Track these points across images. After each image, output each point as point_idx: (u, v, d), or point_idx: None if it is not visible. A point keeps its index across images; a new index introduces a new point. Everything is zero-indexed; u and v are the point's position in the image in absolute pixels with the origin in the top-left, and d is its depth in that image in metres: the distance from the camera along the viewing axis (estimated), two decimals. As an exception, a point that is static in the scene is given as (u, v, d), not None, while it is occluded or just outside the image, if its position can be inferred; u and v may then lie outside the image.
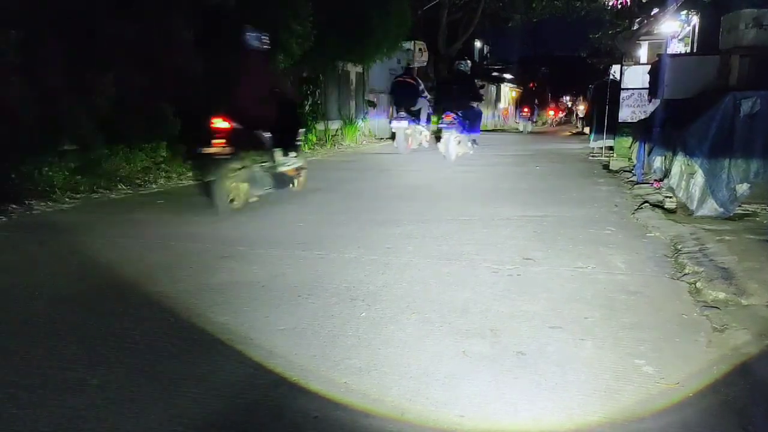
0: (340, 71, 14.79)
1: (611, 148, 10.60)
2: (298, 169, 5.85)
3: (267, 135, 5.34)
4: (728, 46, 5.89)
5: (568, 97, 38.35)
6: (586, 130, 17.33)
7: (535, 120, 25.40)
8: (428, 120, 12.63)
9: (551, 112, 35.57)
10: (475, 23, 24.85)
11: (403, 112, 11.68)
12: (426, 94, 12.27)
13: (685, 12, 10.65)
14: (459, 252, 3.86)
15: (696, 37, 10.41)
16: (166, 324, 2.67)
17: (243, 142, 5.09)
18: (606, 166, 9.11)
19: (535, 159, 10.74)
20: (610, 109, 10.35)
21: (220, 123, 4.95)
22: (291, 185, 5.79)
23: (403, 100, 11.87)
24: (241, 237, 4.29)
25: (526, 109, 23.08)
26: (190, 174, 7.91)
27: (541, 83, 32.74)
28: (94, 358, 2.30)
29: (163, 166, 7.93)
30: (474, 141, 11.27)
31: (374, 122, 16.79)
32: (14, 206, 5.42)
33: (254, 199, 5.42)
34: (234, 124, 4.98)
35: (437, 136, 11.31)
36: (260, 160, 5.41)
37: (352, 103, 15.64)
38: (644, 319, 2.69)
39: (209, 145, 4.89)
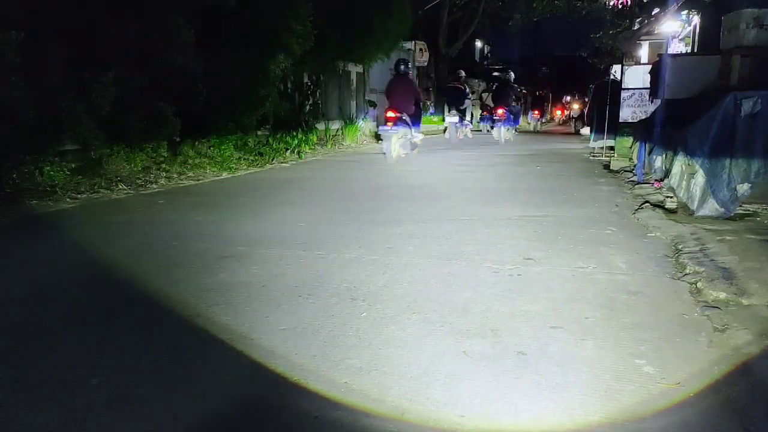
0: (341, 71, 14.78)
1: (612, 148, 10.59)
2: (420, 140, 10.47)
3: (409, 120, 9.79)
4: (729, 46, 5.88)
5: (568, 98, 38.46)
6: (584, 130, 17.33)
7: (544, 121, 26.74)
8: (472, 117, 16.67)
9: (558, 112, 36.04)
10: (475, 23, 24.87)
11: (453, 110, 14.77)
12: (471, 96, 15.88)
13: (685, 12, 10.65)
14: (460, 252, 3.86)
15: (697, 37, 10.41)
16: (166, 324, 2.67)
17: (401, 124, 9.60)
18: (607, 166, 9.10)
19: (536, 159, 10.74)
20: (610, 109, 10.34)
21: (390, 113, 9.53)
22: (415, 150, 10.37)
23: (453, 101, 14.87)
24: (242, 236, 4.29)
25: (536, 112, 25.39)
26: (191, 174, 7.93)
27: (544, 86, 32.85)
28: (94, 358, 2.30)
29: (163, 166, 7.94)
30: (515, 130, 16.41)
31: (375, 122, 16.79)
32: (15, 206, 5.42)
33: (402, 155, 9.95)
34: (398, 114, 9.51)
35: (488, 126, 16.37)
36: (406, 134, 9.87)
37: (353, 103, 15.64)
38: (645, 319, 2.69)
39: (385, 124, 9.59)
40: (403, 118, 9.65)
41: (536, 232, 4.44)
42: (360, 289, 3.09)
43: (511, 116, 15.18)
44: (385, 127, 9.57)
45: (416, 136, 10.17)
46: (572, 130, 22.83)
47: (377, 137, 9.46)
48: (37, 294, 3.09)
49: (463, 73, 16.03)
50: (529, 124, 25.28)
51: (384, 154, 9.66)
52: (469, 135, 16.15)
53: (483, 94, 19.36)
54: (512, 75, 16.31)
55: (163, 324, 2.67)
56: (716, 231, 4.35)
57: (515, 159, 10.75)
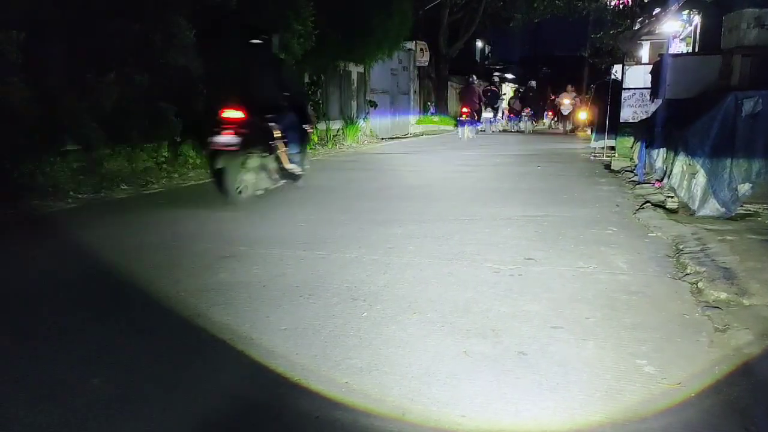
0: (342, 71, 14.79)
1: (613, 148, 10.58)
2: (481, 128, 18.10)
3: (476, 114, 17.05)
4: (730, 46, 5.88)
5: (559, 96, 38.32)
6: (582, 134, 17.23)
7: (556, 120, 27.31)
8: (502, 115, 22.63)
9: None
10: (476, 23, 24.85)
11: (489, 109, 19.33)
12: (503, 97, 22.33)
13: (686, 12, 10.64)
14: (460, 252, 3.86)
15: (698, 37, 10.39)
16: (167, 324, 2.67)
17: (473, 115, 16.64)
18: (607, 166, 9.09)
19: (536, 159, 10.74)
20: (611, 109, 10.33)
21: (465, 109, 16.47)
22: (478, 133, 17.39)
23: (490, 101, 19.44)
24: (242, 237, 4.29)
25: (551, 113, 26.67)
26: (191, 174, 7.93)
27: (545, 85, 32.92)
28: (95, 358, 2.30)
29: (164, 166, 7.94)
30: (534, 124, 22.98)
31: (375, 122, 16.79)
32: (16, 206, 5.42)
33: (471, 137, 16.22)
34: (469, 110, 16.44)
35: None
36: (473, 123, 17.01)
37: (354, 103, 15.64)
38: (646, 319, 2.68)
39: (461, 116, 16.87)
40: (475, 111, 16.66)
41: (537, 232, 4.43)
42: (361, 289, 3.09)
43: (533, 114, 22.15)
44: (461, 119, 16.74)
45: (479, 125, 17.73)
46: (562, 130, 20.99)
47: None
48: (38, 294, 3.10)
49: (497, 78, 23.77)
50: (544, 123, 26.28)
51: (460, 137, 16.31)
52: (500, 128, 21.64)
53: (511, 100, 24.37)
54: (534, 83, 23.01)
55: (164, 324, 2.67)
56: (717, 231, 4.35)
57: (516, 159, 10.75)
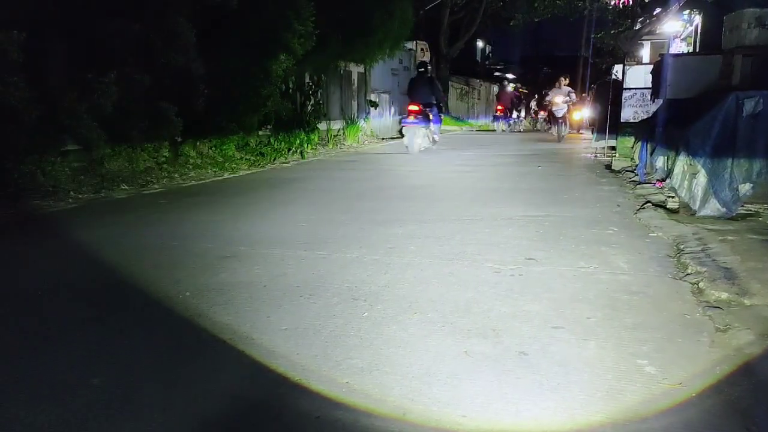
0: (342, 71, 14.79)
1: (613, 148, 10.58)
2: (514, 124, 23.06)
3: (513, 109, 22.60)
4: (731, 46, 5.87)
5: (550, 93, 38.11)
6: (575, 135, 16.54)
7: (547, 122, 28.05)
8: (525, 115, 25.57)
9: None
10: (477, 23, 24.90)
11: (515, 110, 22.53)
12: (524, 100, 25.25)
13: (687, 12, 10.64)
14: (461, 252, 3.86)
15: (698, 37, 10.40)
16: (167, 324, 2.67)
17: (509, 111, 21.69)
18: (608, 166, 9.08)
19: (537, 159, 10.73)
20: (612, 109, 10.33)
21: (499, 107, 21.39)
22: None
23: (515, 105, 23.10)
24: (243, 237, 4.29)
25: (541, 111, 28.17)
26: (192, 174, 7.93)
27: (545, 86, 33.12)
28: (95, 358, 2.30)
29: (165, 166, 7.95)
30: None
31: (376, 122, 16.79)
32: (16, 206, 5.43)
33: (506, 131, 21.66)
34: (503, 107, 21.25)
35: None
36: (511, 116, 22.44)
37: (354, 103, 15.64)
38: (647, 319, 2.68)
39: (496, 112, 22.09)
40: (508, 109, 21.08)
41: (538, 232, 4.43)
42: (361, 289, 3.09)
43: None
44: (496, 115, 21.23)
45: (511, 120, 21.87)
46: (555, 136, 15.90)
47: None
48: (38, 294, 3.09)
49: (518, 85, 27.64)
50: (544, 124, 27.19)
51: (495, 130, 21.29)
52: (522, 129, 23.49)
53: (533, 103, 27.42)
54: (550, 92, 27.33)
55: (164, 324, 2.67)
56: (718, 231, 4.34)
57: (516, 159, 10.74)
